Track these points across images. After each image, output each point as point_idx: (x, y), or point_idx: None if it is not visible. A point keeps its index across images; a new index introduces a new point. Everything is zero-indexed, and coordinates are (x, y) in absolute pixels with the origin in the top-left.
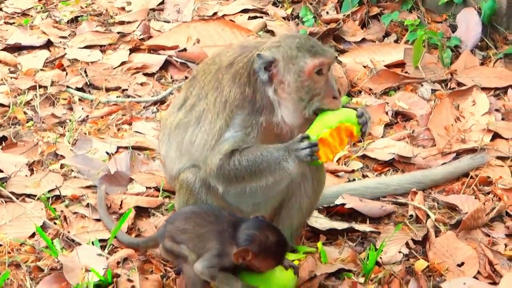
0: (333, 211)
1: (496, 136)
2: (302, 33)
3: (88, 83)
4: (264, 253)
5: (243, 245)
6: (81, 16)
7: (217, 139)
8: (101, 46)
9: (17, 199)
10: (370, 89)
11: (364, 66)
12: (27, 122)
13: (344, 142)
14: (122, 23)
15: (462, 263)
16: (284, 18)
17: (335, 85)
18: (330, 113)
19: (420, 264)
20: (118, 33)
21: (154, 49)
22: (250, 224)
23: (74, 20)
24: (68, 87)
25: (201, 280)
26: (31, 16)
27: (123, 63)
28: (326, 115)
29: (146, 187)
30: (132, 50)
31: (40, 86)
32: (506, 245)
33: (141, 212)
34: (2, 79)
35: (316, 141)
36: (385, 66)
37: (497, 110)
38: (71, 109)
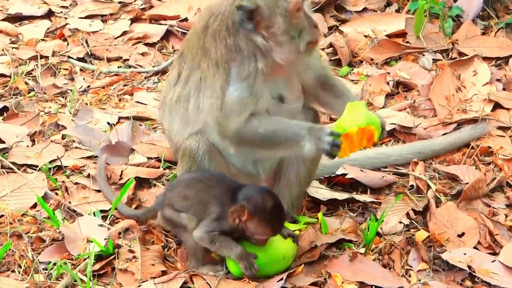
0: (334, 182)
1: (497, 106)
2: None
3: (89, 53)
4: (259, 216)
5: (239, 203)
6: None
7: (222, 98)
8: (102, 16)
9: (19, 169)
10: (372, 59)
11: (366, 36)
12: (29, 92)
13: (363, 143)
14: None
15: (463, 234)
16: None
17: (312, 14)
18: (358, 109)
19: (421, 235)
20: (119, 2)
21: (155, 19)
22: (251, 187)
23: None
24: (69, 57)
25: (201, 249)
26: None
27: (124, 33)
28: (356, 111)
29: (148, 158)
30: (133, 20)
31: (42, 56)
32: (506, 216)
33: (142, 182)
34: (3, 49)
35: (340, 140)
36: (386, 36)
37: (498, 80)
38: (72, 79)
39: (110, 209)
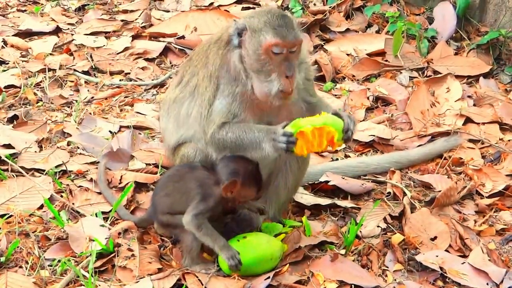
0: (317, 188)
1: (468, 120)
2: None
3: (94, 67)
4: (248, 180)
5: (229, 179)
6: (88, 4)
7: (208, 109)
8: (106, 32)
9: (27, 173)
10: (353, 76)
11: (348, 54)
12: (37, 102)
13: (322, 144)
14: (125, 11)
15: (435, 237)
16: None
17: (294, 66)
18: (322, 115)
19: (397, 238)
20: (122, 21)
21: (154, 36)
22: (225, 161)
23: (81, 9)
24: (75, 70)
25: (196, 249)
26: (42, 4)
27: (126, 48)
28: (320, 116)
29: (146, 164)
30: (134, 37)
31: (49, 69)
32: (475, 221)
33: (140, 186)
34: (14, 63)
35: (294, 138)
36: (367, 54)
37: (469, 96)
38: (77, 90)
39: (110, 211)
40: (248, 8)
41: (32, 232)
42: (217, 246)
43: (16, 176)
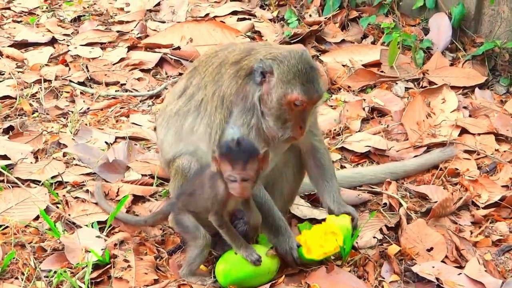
0: (313, 198)
1: (463, 131)
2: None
3: (89, 78)
4: (224, 154)
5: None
6: (84, 15)
7: (220, 134)
8: (101, 43)
9: (23, 184)
10: (349, 87)
11: (344, 65)
12: (33, 113)
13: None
14: (121, 22)
15: (431, 248)
16: (270, 20)
17: (308, 118)
18: (336, 230)
19: (393, 249)
20: (117, 31)
21: (150, 47)
22: None
23: (77, 19)
24: (70, 81)
25: (199, 262)
26: (37, 15)
27: (121, 59)
28: (333, 233)
29: (142, 175)
30: (130, 48)
31: (45, 80)
32: (471, 232)
33: (137, 198)
34: (10, 73)
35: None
36: (362, 65)
37: (465, 107)
38: (73, 101)
39: (107, 221)
40: (244, 19)
41: (28, 243)
42: (235, 245)
43: (12, 187)
